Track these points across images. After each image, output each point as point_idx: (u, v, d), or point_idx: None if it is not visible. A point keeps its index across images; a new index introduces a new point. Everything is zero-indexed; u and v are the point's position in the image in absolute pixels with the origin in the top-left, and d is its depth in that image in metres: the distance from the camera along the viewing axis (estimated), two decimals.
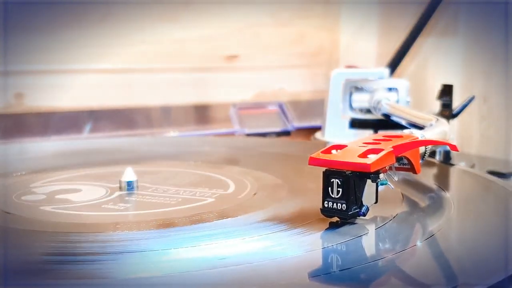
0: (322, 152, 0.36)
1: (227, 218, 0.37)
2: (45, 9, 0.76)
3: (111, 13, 0.80)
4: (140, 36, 0.82)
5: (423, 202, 0.43)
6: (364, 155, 0.35)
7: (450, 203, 0.40)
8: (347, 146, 0.37)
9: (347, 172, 0.34)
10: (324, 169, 0.35)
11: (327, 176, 0.34)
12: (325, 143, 0.71)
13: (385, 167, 0.35)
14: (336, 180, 0.34)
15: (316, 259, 0.31)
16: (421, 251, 0.32)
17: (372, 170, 0.33)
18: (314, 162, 0.35)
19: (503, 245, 0.34)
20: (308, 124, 0.91)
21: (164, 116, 0.86)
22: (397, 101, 0.63)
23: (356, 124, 0.66)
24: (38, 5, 0.75)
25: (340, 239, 0.33)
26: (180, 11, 0.85)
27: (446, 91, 0.65)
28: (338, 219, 0.35)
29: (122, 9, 0.81)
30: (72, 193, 0.44)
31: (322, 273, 0.29)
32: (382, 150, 0.35)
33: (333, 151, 0.36)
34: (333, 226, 0.35)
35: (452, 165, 0.57)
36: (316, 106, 0.90)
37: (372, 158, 0.34)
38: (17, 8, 0.74)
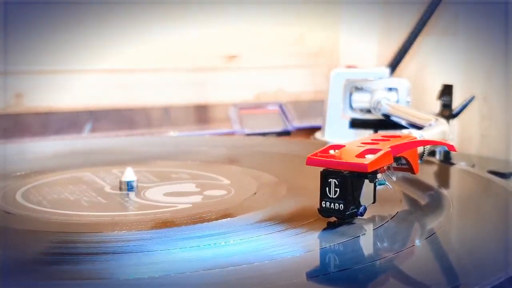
0: (320, 152, 0.36)
1: (226, 218, 0.38)
2: (45, 9, 0.76)
3: (111, 13, 0.80)
4: (140, 36, 0.82)
5: (422, 201, 0.43)
6: (361, 155, 0.35)
7: (450, 203, 0.40)
8: (345, 146, 0.37)
9: (344, 172, 0.34)
10: (322, 169, 0.35)
11: (325, 176, 0.34)
12: (325, 143, 0.71)
13: (383, 167, 0.35)
14: (334, 180, 0.34)
15: (314, 259, 0.31)
16: (420, 251, 0.32)
17: (369, 170, 0.33)
18: (311, 162, 0.35)
19: (503, 245, 0.34)
20: (308, 124, 0.91)
21: (164, 116, 0.86)
22: (397, 101, 0.63)
23: (356, 124, 0.66)
24: (38, 5, 0.75)
25: (338, 239, 0.33)
26: (180, 11, 0.85)
27: (446, 91, 0.65)
28: (336, 219, 0.35)
29: (123, 9, 0.81)
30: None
31: (321, 274, 0.29)
32: (379, 150, 0.35)
33: (331, 151, 0.36)
34: (331, 226, 0.35)
35: (452, 164, 0.57)
36: (316, 106, 0.90)
37: (369, 158, 0.34)
38: (17, 8, 0.74)
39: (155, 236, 0.35)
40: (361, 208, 0.35)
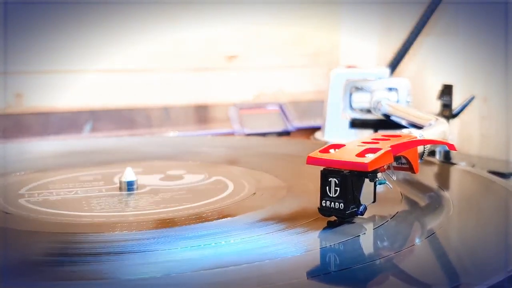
0: (320, 151, 0.36)
1: (226, 218, 0.38)
2: (45, 9, 0.76)
3: (111, 13, 0.80)
4: (140, 36, 0.82)
5: (422, 201, 0.43)
6: (362, 154, 0.35)
7: (450, 203, 0.40)
8: (345, 145, 0.37)
9: (345, 172, 0.34)
10: (322, 168, 0.35)
11: (325, 176, 0.34)
12: (325, 143, 0.71)
13: (383, 166, 0.35)
14: (334, 179, 0.34)
15: (314, 258, 0.31)
16: (420, 251, 0.32)
17: (369, 169, 0.33)
18: (312, 161, 0.35)
19: (503, 245, 0.34)
20: (308, 124, 0.91)
21: (164, 116, 0.86)
22: (397, 101, 0.63)
23: (356, 124, 0.66)
24: (38, 5, 0.75)
25: (338, 239, 0.33)
26: (180, 11, 0.85)
27: (446, 91, 0.65)
28: (336, 218, 0.35)
29: (122, 9, 0.81)
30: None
31: (321, 273, 0.29)
32: (380, 149, 0.35)
33: (331, 151, 0.36)
34: (331, 226, 0.35)
35: (452, 164, 0.57)
36: (316, 106, 0.90)
37: (370, 157, 0.34)
38: (17, 8, 0.74)
39: (155, 236, 0.34)
40: (361, 207, 0.35)
